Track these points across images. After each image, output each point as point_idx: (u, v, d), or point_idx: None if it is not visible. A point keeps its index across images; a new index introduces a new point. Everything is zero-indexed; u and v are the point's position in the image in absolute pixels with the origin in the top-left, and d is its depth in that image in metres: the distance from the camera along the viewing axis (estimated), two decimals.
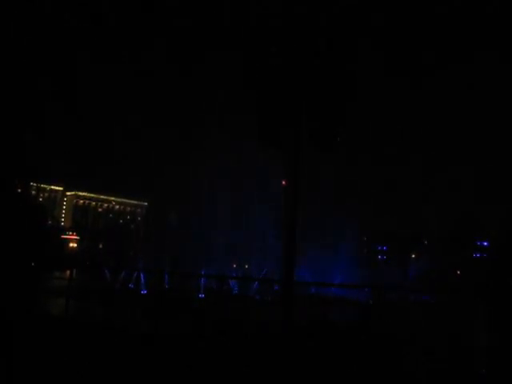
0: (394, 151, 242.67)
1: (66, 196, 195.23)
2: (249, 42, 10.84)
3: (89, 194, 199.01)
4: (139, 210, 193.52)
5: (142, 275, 36.62)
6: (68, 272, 15.99)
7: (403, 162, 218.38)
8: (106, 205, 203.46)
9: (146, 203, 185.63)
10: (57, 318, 13.89)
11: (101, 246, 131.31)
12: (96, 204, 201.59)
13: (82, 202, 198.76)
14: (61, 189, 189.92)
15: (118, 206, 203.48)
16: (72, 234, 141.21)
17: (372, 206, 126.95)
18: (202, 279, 37.15)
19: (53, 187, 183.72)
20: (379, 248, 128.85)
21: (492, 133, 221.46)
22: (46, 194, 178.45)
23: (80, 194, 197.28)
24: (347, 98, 9.95)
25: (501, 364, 7.33)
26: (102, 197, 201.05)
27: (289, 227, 9.92)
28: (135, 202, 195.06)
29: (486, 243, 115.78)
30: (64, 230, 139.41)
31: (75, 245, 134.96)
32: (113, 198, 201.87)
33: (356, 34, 10.92)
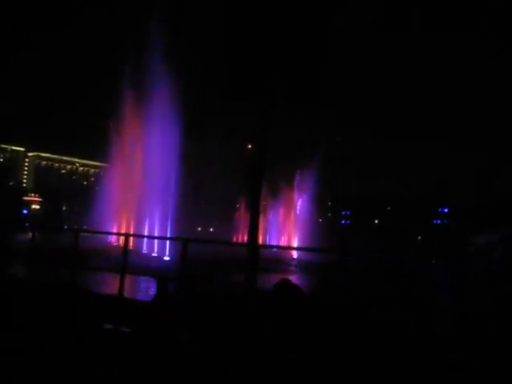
0: (366, 116, 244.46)
1: (28, 157, 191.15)
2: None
3: (52, 156, 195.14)
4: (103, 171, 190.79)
5: None
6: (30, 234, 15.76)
7: (370, 125, 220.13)
8: (69, 166, 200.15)
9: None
10: (18, 279, 13.73)
11: (64, 208, 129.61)
12: (59, 165, 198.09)
13: (44, 163, 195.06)
14: (22, 149, 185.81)
15: (81, 168, 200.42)
16: (34, 196, 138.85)
17: (337, 171, 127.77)
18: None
19: (14, 148, 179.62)
20: (343, 213, 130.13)
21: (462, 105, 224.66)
22: (7, 155, 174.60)
23: (42, 155, 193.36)
24: (322, 60, 9.92)
25: (463, 323, 7.58)
26: (65, 158, 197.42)
27: (254, 193, 9.92)
28: (99, 164, 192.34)
29: (446, 210, 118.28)
30: (26, 192, 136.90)
31: (38, 206, 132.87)
32: (76, 160, 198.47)
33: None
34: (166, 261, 33.83)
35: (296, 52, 9.67)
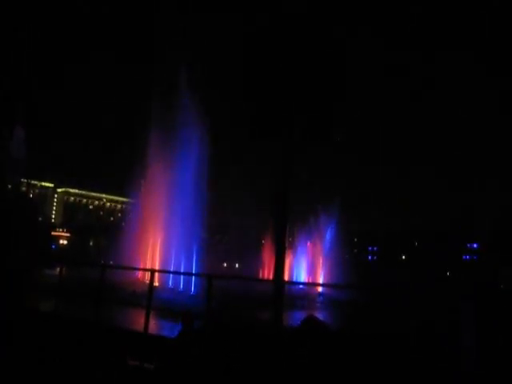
0: (388, 153, 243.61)
1: (57, 193, 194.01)
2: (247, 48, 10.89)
3: (80, 191, 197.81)
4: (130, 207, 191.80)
5: None
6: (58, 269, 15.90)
7: (395, 163, 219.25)
8: (96, 202, 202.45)
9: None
10: (46, 314, 13.81)
11: (91, 244, 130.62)
12: (87, 201, 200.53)
13: (72, 198, 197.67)
14: (51, 185, 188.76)
15: (108, 204, 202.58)
16: (62, 231, 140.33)
17: (363, 207, 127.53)
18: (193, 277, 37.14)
19: (43, 183, 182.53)
20: (370, 249, 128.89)
21: (488, 136, 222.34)
22: (37, 191, 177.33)
23: (71, 190, 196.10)
24: (335, 98, 10.02)
25: (488, 364, 7.39)
26: (92, 194, 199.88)
27: (280, 228, 9.91)
28: (127, 200, 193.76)
29: (475, 245, 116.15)
30: (54, 227, 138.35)
31: (65, 241, 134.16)
32: (104, 195, 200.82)
33: (344, 32, 10.95)
34: (191, 296, 33.80)
35: (315, 90, 9.78)
